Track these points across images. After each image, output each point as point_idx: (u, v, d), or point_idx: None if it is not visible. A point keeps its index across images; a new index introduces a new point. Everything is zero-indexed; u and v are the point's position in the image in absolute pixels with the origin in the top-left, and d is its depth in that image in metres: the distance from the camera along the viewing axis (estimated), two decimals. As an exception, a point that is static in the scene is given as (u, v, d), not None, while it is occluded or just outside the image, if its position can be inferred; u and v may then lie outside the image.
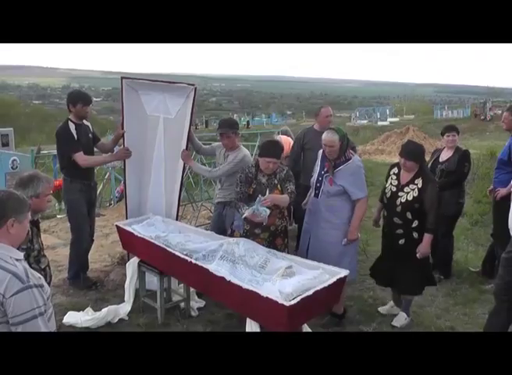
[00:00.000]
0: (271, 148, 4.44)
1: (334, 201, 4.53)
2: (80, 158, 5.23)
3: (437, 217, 4.46)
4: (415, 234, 4.50)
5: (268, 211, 4.16)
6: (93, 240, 5.83)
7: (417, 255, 4.46)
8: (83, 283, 5.51)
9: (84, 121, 5.49)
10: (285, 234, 4.67)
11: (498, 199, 5.35)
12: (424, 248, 4.47)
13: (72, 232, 5.50)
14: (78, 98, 5.37)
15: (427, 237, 4.45)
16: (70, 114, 5.38)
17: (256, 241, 4.38)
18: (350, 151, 4.58)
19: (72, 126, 5.29)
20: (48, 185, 3.40)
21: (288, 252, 4.54)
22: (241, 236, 4.52)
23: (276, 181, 4.49)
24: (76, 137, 5.27)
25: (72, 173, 5.35)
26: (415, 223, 4.49)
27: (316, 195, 4.62)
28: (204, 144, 5.89)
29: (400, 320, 4.73)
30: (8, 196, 2.38)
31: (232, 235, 4.69)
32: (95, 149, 5.70)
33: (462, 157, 5.68)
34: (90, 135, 5.53)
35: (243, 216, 4.31)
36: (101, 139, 5.78)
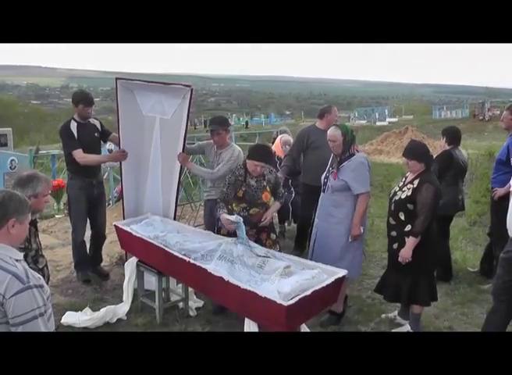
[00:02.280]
0: (261, 153, 4.58)
1: (337, 197, 4.58)
2: (78, 155, 5.39)
3: (427, 222, 4.21)
4: (407, 240, 4.29)
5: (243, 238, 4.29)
6: (105, 236, 6.03)
7: (399, 259, 4.28)
8: (81, 276, 5.70)
9: (91, 120, 5.65)
10: (270, 229, 4.82)
11: (496, 199, 5.35)
12: (404, 252, 4.25)
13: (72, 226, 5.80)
14: (80, 99, 5.51)
15: (410, 241, 4.23)
16: (75, 113, 5.56)
17: None
18: (356, 148, 4.62)
19: (73, 125, 5.46)
20: (47, 185, 3.40)
21: (280, 250, 4.63)
22: (228, 232, 4.60)
23: (265, 183, 4.68)
24: (76, 135, 5.43)
25: (73, 170, 5.58)
26: (408, 227, 4.28)
27: (324, 191, 4.71)
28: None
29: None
30: (9, 197, 2.38)
31: (218, 232, 4.81)
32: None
33: (436, 157, 5.45)
34: (96, 134, 5.66)
35: (219, 216, 4.55)
36: (112, 132, 5.85)
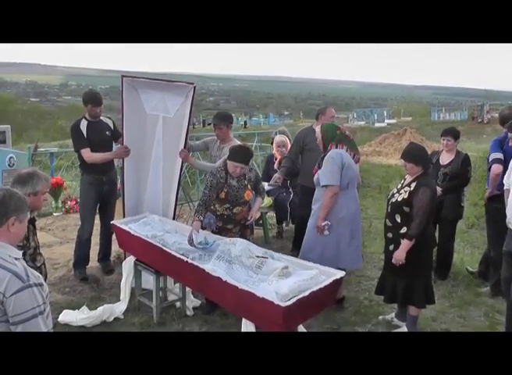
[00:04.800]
0: (240, 154, 4.64)
1: (317, 191, 4.88)
2: (85, 154, 5.52)
3: (423, 226, 4.20)
4: (402, 242, 4.28)
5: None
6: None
7: (393, 261, 4.29)
8: (79, 274, 5.70)
9: (103, 119, 5.74)
10: (251, 224, 5.14)
11: (486, 200, 5.37)
12: (398, 254, 4.25)
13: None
14: (88, 99, 5.61)
15: (404, 243, 4.23)
16: (86, 112, 5.67)
17: (228, 235, 4.63)
18: (338, 144, 4.80)
19: (83, 124, 5.57)
20: (46, 184, 3.42)
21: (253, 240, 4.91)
22: (213, 232, 4.74)
23: (246, 182, 4.76)
24: (85, 134, 5.53)
25: (84, 167, 5.73)
26: (403, 230, 4.28)
27: None
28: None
29: None
30: (10, 195, 2.38)
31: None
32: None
33: (464, 161, 5.68)
34: (107, 132, 5.72)
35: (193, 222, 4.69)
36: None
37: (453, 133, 5.79)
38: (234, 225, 4.77)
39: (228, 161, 4.65)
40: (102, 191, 5.72)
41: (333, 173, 4.67)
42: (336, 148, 4.79)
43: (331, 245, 4.72)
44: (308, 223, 4.91)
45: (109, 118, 5.90)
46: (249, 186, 4.77)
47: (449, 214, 5.63)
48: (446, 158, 5.76)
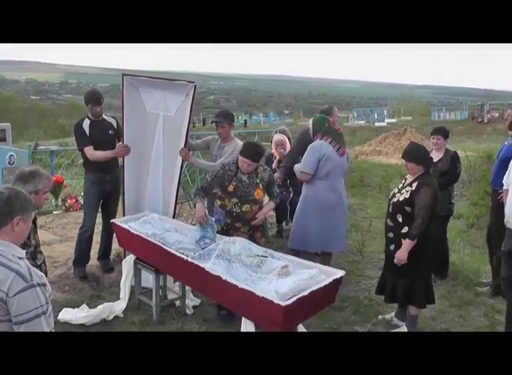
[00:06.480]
0: (250, 150, 4.61)
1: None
2: (87, 152, 5.58)
3: (424, 225, 4.21)
4: (404, 242, 4.29)
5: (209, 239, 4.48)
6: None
7: (394, 261, 4.29)
8: (78, 272, 5.70)
9: (107, 118, 5.79)
10: (263, 227, 5.19)
11: (502, 201, 5.28)
12: (400, 254, 4.26)
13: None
14: (88, 98, 5.68)
15: (406, 243, 4.24)
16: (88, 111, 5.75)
17: (237, 234, 4.58)
18: (323, 136, 5.14)
19: (86, 123, 5.63)
20: (48, 182, 3.41)
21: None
22: (222, 229, 4.69)
23: (258, 181, 4.67)
24: (87, 132, 5.58)
25: (87, 166, 5.80)
26: (405, 229, 4.29)
27: None
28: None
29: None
30: (15, 194, 2.37)
31: None
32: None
33: (453, 158, 5.75)
34: (110, 132, 5.74)
35: (195, 203, 4.83)
36: None
37: (442, 132, 5.86)
38: (243, 224, 4.64)
39: (239, 155, 4.62)
40: (105, 190, 5.75)
41: (309, 161, 5.11)
42: (321, 139, 5.10)
43: (300, 225, 5.22)
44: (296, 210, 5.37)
45: (113, 117, 5.91)
46: (260, 185, 4.67)
47: (441, 211, 5.61)
48: (435, 157, 5.76)
